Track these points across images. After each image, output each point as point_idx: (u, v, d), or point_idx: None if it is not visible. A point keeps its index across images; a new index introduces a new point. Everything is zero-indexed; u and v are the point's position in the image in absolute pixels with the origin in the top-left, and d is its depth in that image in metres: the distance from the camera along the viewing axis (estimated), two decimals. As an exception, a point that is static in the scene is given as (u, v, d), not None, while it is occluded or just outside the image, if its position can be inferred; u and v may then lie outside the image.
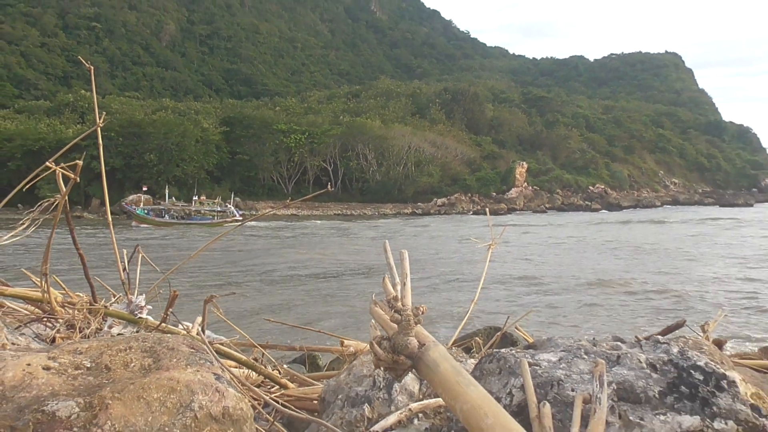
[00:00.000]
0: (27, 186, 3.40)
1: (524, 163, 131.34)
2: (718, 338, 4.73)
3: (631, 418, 1.88)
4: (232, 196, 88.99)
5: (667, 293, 22.22)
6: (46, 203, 3.43)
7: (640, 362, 2.05)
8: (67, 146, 3.59)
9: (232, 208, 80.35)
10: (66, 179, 3.31)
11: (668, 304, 20.10)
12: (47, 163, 3.23)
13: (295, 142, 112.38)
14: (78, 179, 3.31)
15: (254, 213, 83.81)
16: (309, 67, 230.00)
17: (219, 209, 79.05)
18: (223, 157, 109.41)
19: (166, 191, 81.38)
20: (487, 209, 9.63)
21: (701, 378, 1.99)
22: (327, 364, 5.41)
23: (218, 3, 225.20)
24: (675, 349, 2.12)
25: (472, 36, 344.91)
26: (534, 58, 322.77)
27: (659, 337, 2.34)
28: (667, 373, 2.01)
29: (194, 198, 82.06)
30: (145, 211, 74.48)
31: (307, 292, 23.09)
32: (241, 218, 75.65)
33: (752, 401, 2.00)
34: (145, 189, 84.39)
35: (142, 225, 69.12)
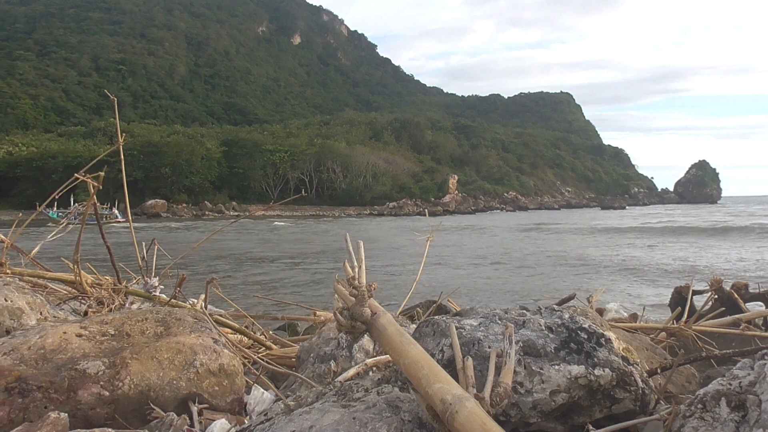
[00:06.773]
0: (62, 192, 3.32)
1: (455, 175, 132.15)
2: (600, 307, 4.82)
3: (533, 368, 1.89)
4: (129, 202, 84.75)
5: (562, 271, 22.53)
6: (78, 206, 3.34)
7: (540, 326, 2.07)
8: (94, 161, 3.50)
9: (116, 211, 78.39)
10: (93, 187, 3.23)
11: (562, 282, 20.31)
12: (76, 174, 3.15)
13: (280, 159, 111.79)
14: (101, 187, 3.24)
15: (246, 213, 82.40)
16: (290, 101, 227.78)
17: (107, 212, 76.94)
18: (223, 170, 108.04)
19: (71, 199, 76.69)
20: (426, 211, 9.62)
21: (585, 337, 2.01)
22: (304, 330, 5.35)
23: (219, 50, 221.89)
24: (566, 315, 2.14)
25: (415, 78, 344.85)
26: (462, 95, 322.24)
27: (555, 306, 2.36)
28: (561, 333, 2.03)
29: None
30: (56, 215, 71.15)
31: (290, 273, 22.87)
32: (123, 220, 74.38)
33: (623, 354, 2.04)
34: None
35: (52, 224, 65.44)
